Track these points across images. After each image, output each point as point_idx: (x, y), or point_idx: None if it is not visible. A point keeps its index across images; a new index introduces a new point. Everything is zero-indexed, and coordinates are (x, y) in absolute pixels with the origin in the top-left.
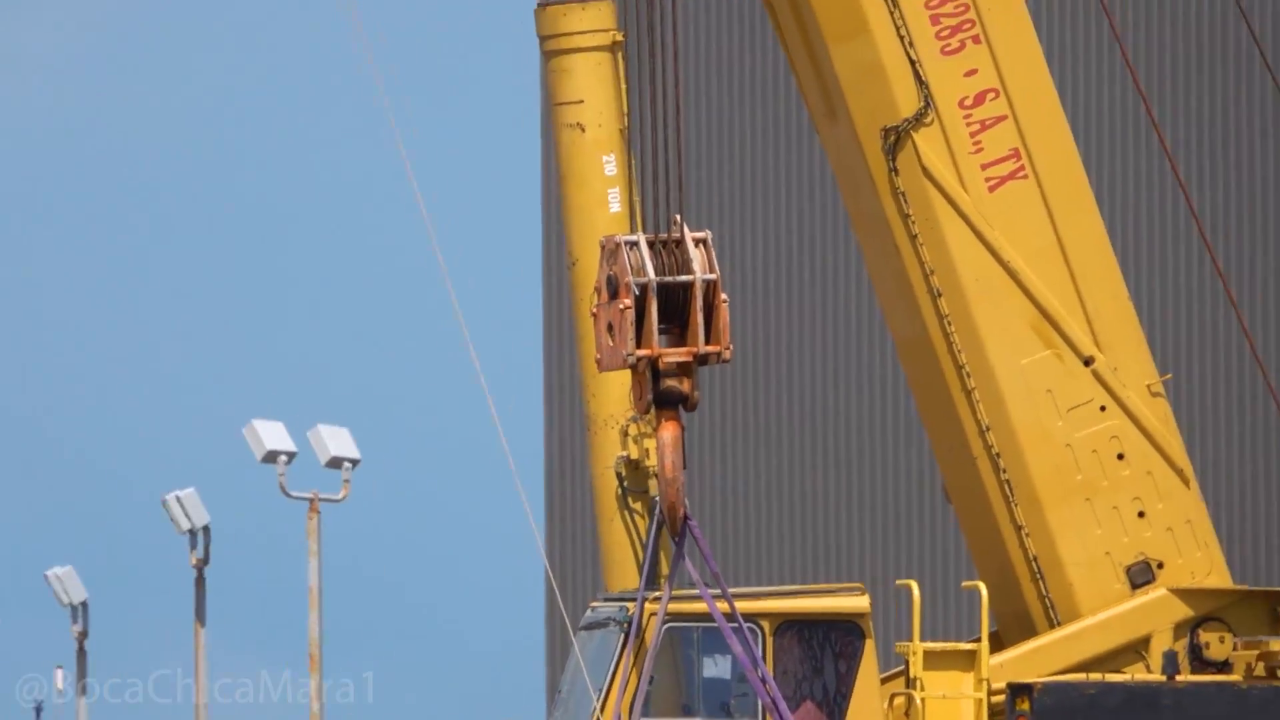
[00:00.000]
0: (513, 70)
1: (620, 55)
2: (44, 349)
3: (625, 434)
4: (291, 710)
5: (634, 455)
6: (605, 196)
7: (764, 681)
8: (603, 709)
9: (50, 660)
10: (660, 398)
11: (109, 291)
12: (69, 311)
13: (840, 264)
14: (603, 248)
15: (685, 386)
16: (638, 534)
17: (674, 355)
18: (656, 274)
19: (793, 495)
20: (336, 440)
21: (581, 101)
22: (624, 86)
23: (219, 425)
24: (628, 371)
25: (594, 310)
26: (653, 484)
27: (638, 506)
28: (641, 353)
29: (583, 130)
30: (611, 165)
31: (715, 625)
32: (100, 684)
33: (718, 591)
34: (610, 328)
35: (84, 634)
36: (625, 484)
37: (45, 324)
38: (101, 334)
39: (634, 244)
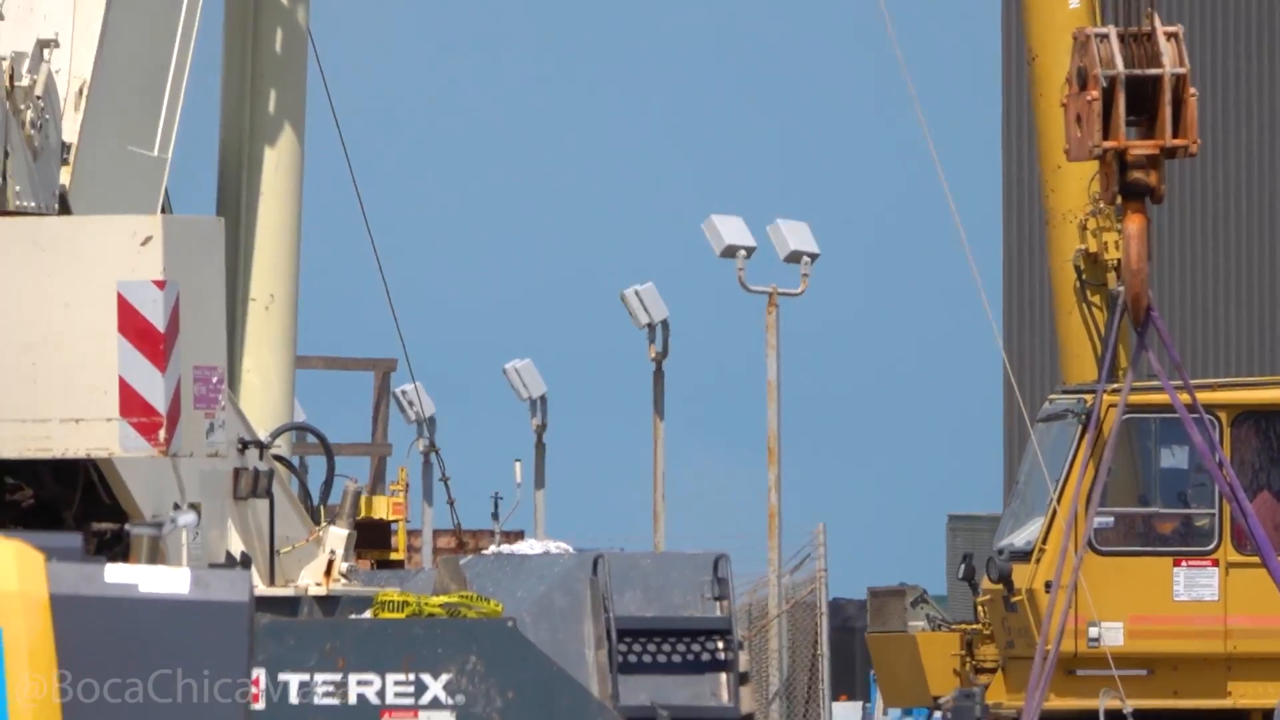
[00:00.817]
0: None
1: None
2: (505, 149)
3: (1084, 228)
4: (749, 498)
5: (1092, 249)
6: None
7: (1222, 468)
8: (1059, 499)
9: (510, 454)
10: (1127, 189)
11: (570, 90)
12: (528, 110)
13: None
14: (1074, 39)
15: (1152, 179)
16: (1096, 327)
17: (1141, 148)
18: (1126, 66)
19: (1252, 288)
20: (796, 234)
21: None
22: None
23: (678, 220)
24: (1088, 166)
25: (1064, 101)
26: (1111, 277)
27: (1096, 300)
28: (1108, 144)
29: None
30: None
31: (1173, 416)
32: (560, 477)
33: (1179, 382)
34: (1079, 119)
35: (542, 427)
36: (1084, 277)
37: (508, 125)
38: (561, 132)
39: (1104, 36)
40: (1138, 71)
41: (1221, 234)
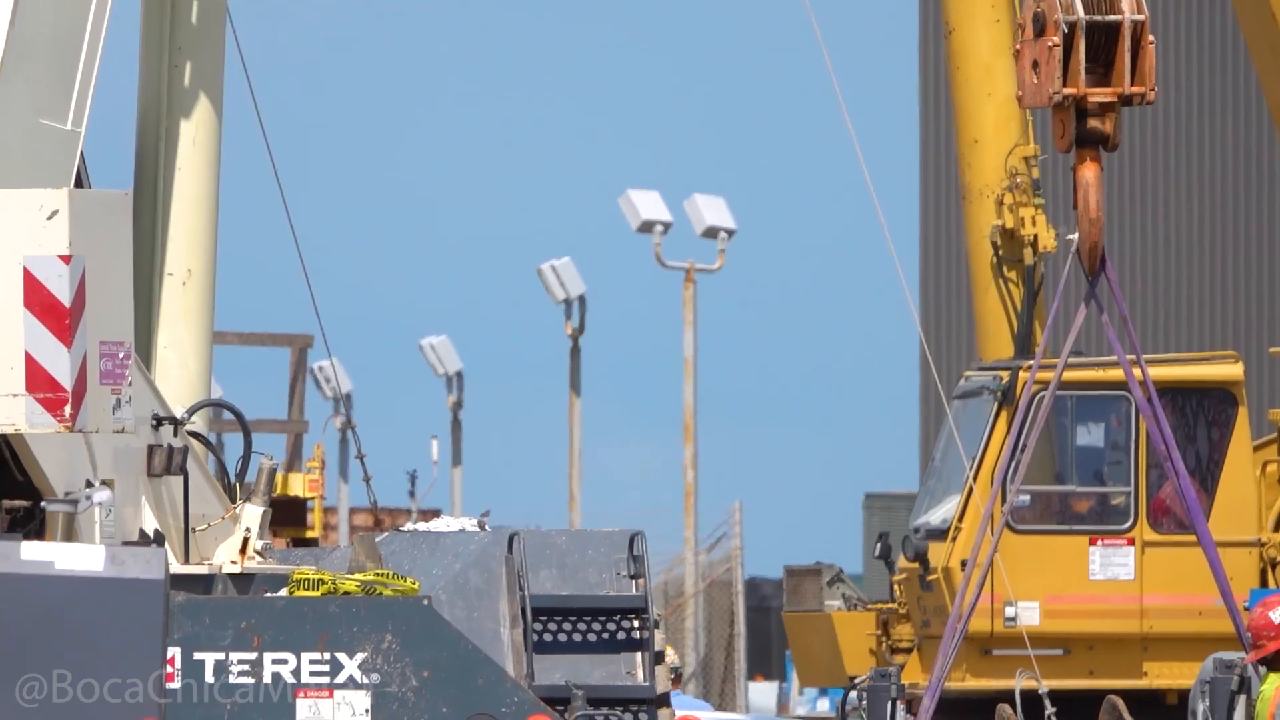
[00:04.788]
0: None
1: None
2: (422, 122)
3: (1001, 203)
4: (664, 476)
5: (1009, 224)
6: None
7: (1165, 443)
8: (975, 477)
9: (427, 431)
10: (1083, 137)
11: (490, 63)
12: (447, 83)
13: None
14: None
15: (1108, 126)
16: (1013, 303)
17: (1099, 95)
18: (1086, 12)
19: (1190, 265)
20: (713, 210)
21: None
22: None
23: (596, 195)
24: (1000, 136)
25: (1017, 47)
26: (1028, 253)
27: (1012, 275)
28: (1067, 91)
29: None
30: None
31: (1090, 395)
32: (475, 454)
33: (1132, 357)
34: (1034, 64)
35: (458, 404)
36: (1000, 253)
37: (426, 97)
38: (479, 105)
39: None
40: (1098, 17)
41: (1166, 216)
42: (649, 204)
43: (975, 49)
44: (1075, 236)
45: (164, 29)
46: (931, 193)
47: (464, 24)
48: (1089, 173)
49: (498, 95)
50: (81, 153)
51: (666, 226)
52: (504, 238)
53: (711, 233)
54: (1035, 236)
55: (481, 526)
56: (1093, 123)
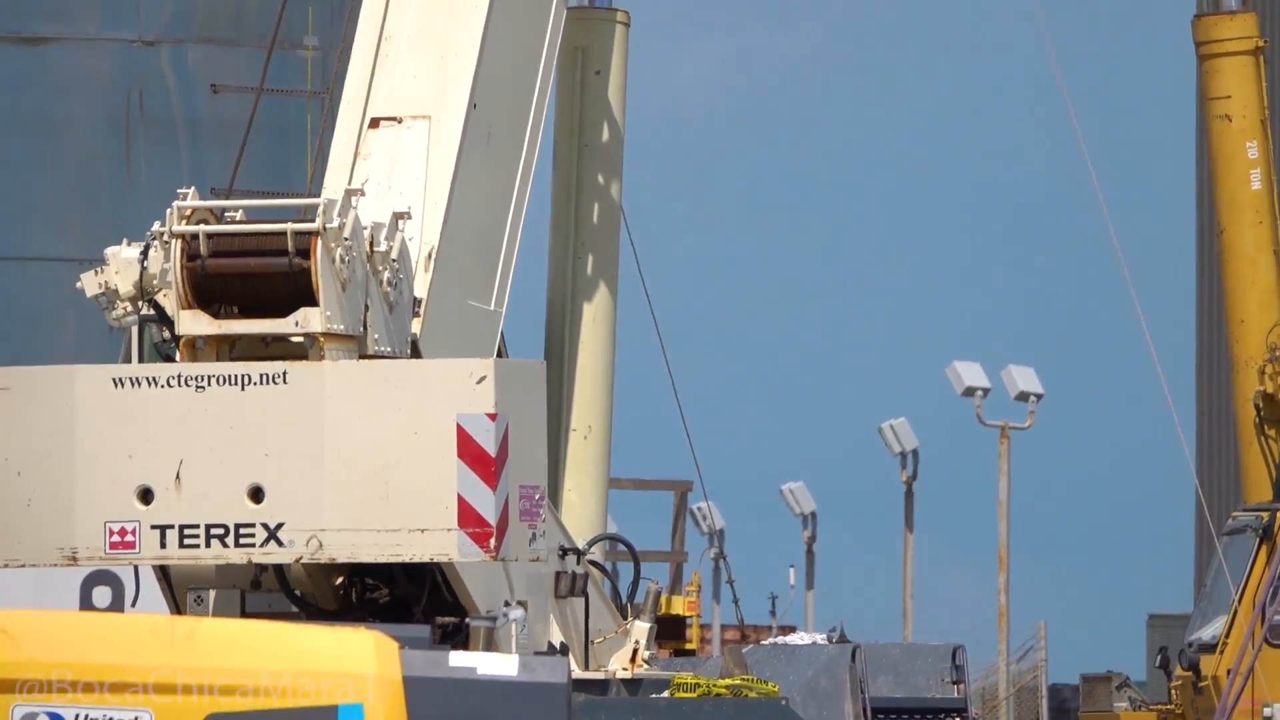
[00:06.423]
0: (1173, 70)
1: (1261, 58)
2: (789, 300)
3: (1262, 372)
4: (982, 598)
5: (1269, 390)
6: (1248, 176)
7: None
8: (1240, 600)
9: (785, 561)
10: None
11: (841, 253)
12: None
13: None
14: None
15: None
16: (1272, 456)
17: None
18: None
19: None
20: (1025, 378)
21: (1229, 97)
22: (1263, 84)
23: (927, 364)
24: (1267, 320)
25: None
26: None
27: (1272, 433)
28: None
29: (1229, 120)
30: (1254, 150)
31: None
32: (826, 580)
33: None
34: None
35: (813, 539)
36: (1261, 414)
37: (791, 284)
38: (830, 288)
39: None
40: None
41: None
42: (971, 373)
43: (1242, 245)
44: None
45: (569, 227)
46: (1206, 363)
47: (813, 217)
48: None
49: (848, 281)
50: (501, 329)
51: (986, 391)
52: (849, 398)
53: (1023, 397)
54: None
55: (830, 640)
56: None
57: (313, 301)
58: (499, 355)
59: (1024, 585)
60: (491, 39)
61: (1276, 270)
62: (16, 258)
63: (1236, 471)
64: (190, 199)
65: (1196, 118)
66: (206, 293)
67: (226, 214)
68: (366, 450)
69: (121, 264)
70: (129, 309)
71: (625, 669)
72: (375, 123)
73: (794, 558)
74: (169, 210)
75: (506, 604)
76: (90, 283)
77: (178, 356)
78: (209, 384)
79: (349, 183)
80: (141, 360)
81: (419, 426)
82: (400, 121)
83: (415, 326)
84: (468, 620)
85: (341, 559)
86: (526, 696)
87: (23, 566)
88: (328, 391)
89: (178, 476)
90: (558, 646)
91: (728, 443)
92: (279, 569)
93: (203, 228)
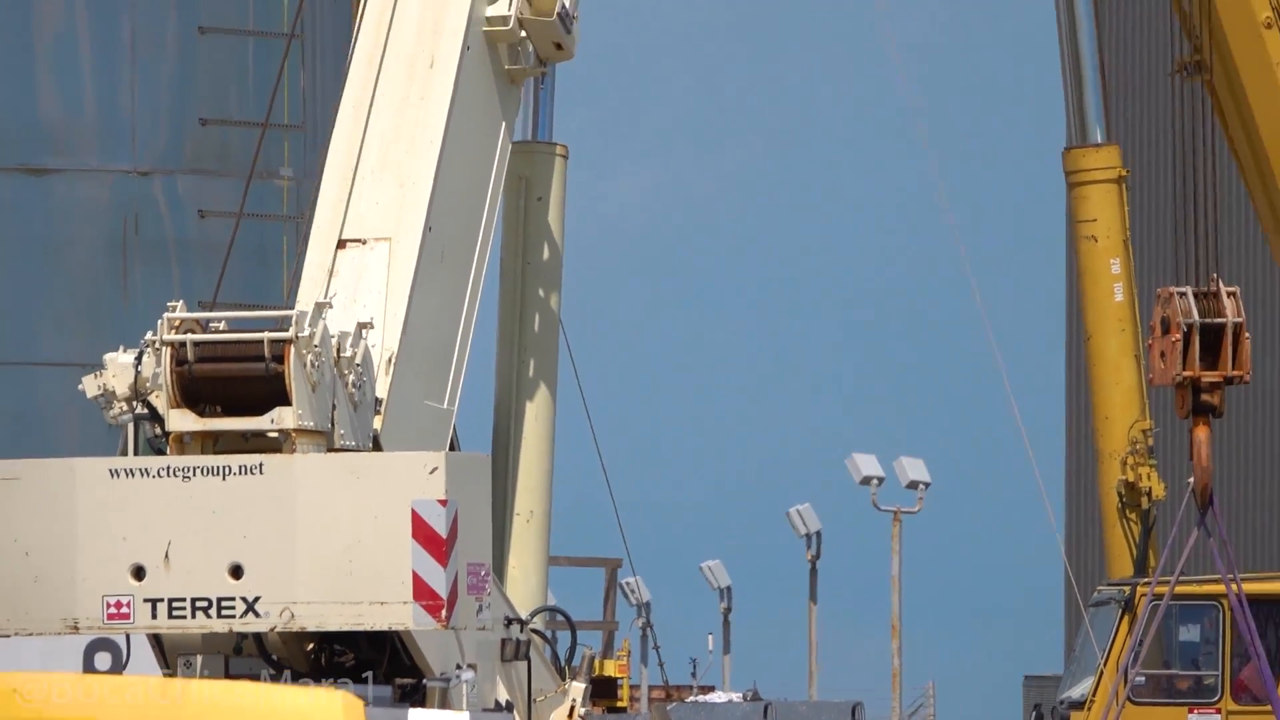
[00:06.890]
0: (1044, 197)
1: (1124, 185)
2: (708, 397)
3: (1124, 463)
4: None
5: (1130, 479)
6: (1112, 289)
7: (1251, 636)
8: (1106, 663)
9: (704, 629)
10: (1198, 407)
11: (754, 355)
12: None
13: None
14: (1159, 296)
15: (1215, 400)
16: (1132, 537)
17: (1209, 376)
18: (1200, 316)
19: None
20: (915, 468)
21: (1095, 220)
22: (1126, 209)
23: (828, 455)
24: (1128, 415)
25: (1149, 343)
26: (1144, 500)
27: (1133, 517)
28: (1186, 374)
29: (1095, 241)
30: (1117, 266)
31: (1187, 604)
32: (741, 645)
33: (1230, 575)
34: (1162, 355)
35: (729, 610)
36: (1124, 500)
37: (710, 384)
38: (745, 386)
39: (1183, 294)
40: (1209, 320)
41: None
42: (868, 463)
43: (1107, 350)
44: (1191, 480)
45: (514, 335)
46: (1074, 453)
47: (730, 326)
48: (1202, 434)
49: (755, 379)
50: (454, 425)
51: (880, 480)
52: (761, 486)
53: (914, 485)
54: (1150, 489)
55: (745, 698)
56: (1205, 397)
57: (286, 401)
58: (452, 448)
59: (915, 650)
60: (445, 170)
61: (1137, 373)
62: (26, 362)
63: (1101, 550)
64: (179, 311)
65: (1067, 237)
66: (193, 393)
67: (211, 324)
68: (333, 532)
69: (118, 368)
70: (125, 408)
71: None
72: (343, 244)
73: (712, 626)
74: (160, 321)
75: (459, 667)
76: (90, 385)
77: (168, 450)
78: (194, 474)
79: (320, 297)
80: (136, 454)
81: (379, 511)
82: (364, 243)
83: (376, 423)
84: (424, 681)
85: (311, 628)
86: None
87: (31, 635)
88: (299, 481)
89: (167, 556)
90: (504, 704)
91: (653, 525)
92: (258, 636)
93: (190, 336)
